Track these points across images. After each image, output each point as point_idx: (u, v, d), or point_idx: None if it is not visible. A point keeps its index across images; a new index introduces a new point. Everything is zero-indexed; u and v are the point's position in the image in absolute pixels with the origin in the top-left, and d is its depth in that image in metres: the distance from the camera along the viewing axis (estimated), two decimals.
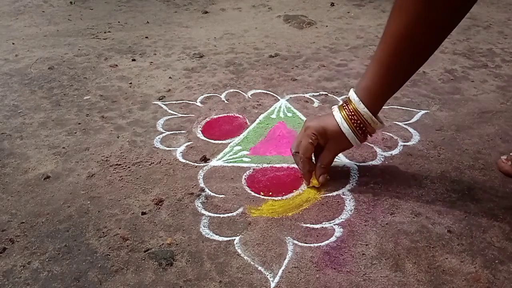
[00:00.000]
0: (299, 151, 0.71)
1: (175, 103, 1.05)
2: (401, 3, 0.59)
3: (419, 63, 0.65)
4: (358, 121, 0.67)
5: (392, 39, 0.61)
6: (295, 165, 0.80)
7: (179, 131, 0.93)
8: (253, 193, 0.74)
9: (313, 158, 0.74)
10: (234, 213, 0.69)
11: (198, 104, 1.04)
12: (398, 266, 0.59)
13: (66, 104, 1.05)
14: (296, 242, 0.63)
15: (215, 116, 0.98)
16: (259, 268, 0.59)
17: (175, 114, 1.00)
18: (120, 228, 0.67)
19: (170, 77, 1.18)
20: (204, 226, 0.67)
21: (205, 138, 0.90)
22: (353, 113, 0.67)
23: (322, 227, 0.66)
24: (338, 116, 0.68)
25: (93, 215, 0.69)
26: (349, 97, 0.69)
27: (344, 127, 0.68)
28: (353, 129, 0.68)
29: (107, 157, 0.84)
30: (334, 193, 0.73)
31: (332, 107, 0.71)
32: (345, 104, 0.69)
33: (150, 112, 1.01)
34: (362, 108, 0.66)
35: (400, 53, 0.61)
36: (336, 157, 0.82)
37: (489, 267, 0.59)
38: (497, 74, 1.17)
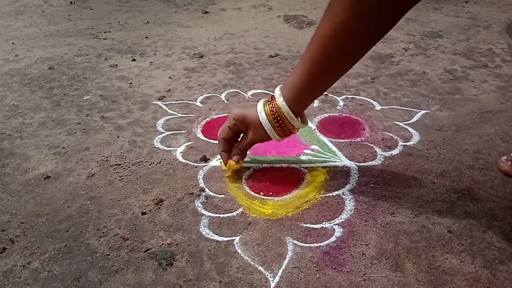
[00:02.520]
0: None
1: (175, 103, 1.05)
2: (331, 7, 0.59)
3: (344, 68, 0.65)
4: (277, 115, 0.69)
5: (319, 39, 0.61)
6: (295, 165, 0.81)
7: (179, 131, 0.93)
8: (253, 193, 0.74)
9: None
10: (234, 213, 0.69)
11: (198, 104, 1.04)
12: (398, 266, 0.59)
13: (66, 104, 1.05)
14: (296, 242, 0.63)
15: (215, 116, 0.98)
16: (259, 268, 0.59)
17: (175, 114, 1.00)
18: (120, 228, 0.67)
19: (170, 77, 1.18)
20: (204, 226, 0.67)
21: (205, 138, 0.90)
22: (274, 107, 0.69)
23: (322, 227, 0.66)
24: (260, 107, 0.70)
25: (93, 215, 0.69)
26: (274, 94, 0.70)
27: (263, 117, 0.69)
28: (271, 121, 0.69)
29: (107, 157, 0.84)
30: (334, 193, 0.73)
31: (259, 106, 0.72)
32: (270, 99, 0.70)
33: (150, 112, 1.01)
34: (281, 101, 0.68)
35: (325, 54, 0.62)
36: (336, 157, 0.83)
37: (489, 267, 0.59)
38: (497, 74, 1.17)
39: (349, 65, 0.65)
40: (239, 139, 0.76)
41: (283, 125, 0.69)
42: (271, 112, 0.69)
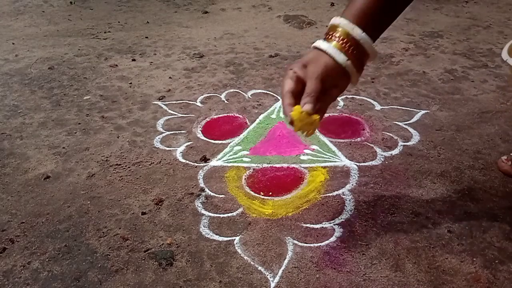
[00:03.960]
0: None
1: (175, 103, 1.05)
2: None
3: None
4: (352, 47, 0.55)
5: None
6: (295, 165, 0.81)
7: (179, 131, 0.93)
8: (253, 193, 0.74)
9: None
10: (234, 213, 0.69)
11: (198, 104, 1.04)
12: (398, 266, 0.59)
13: (66, 104, 1.05)
14: (296, 242, 0.63)
15: (215, 116, 0.98)
16: (259, 268, 0.59)
17: (175, 114, 1.00)
18: (120, 228, 0.67)
19: (170, 77, 1.18)
20: (204, 226, 0.67)
21: (205, 138, 0.90)
22: (345, 39, 0.55)
23: (322, 227, 0.66)
24: (324, 45, 0.56)
25: (93, 215, 0.69)
26: (334, 25, 0.56)
27: (338, 55, 0.55)
28: (345, 53, 0.55)
29: (107, 157, 0.84)
30: (334, 193, 0.73)
31: (322, 45, 0.57)
32: (330, 34, 0.57)
33: (150, 112, 1.01)
34: (359, 33, 0.54)
35: None
36: (336, 157, 0.83)
37: (489, 267, 0.59)
38: (497, 74, 1.17)
39: None
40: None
41: (361, 58, 0.56)
42: (344, 47, 0.55)
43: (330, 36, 0.57)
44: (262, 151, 0.84)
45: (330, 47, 0.55)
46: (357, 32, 0.54)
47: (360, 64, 0.56)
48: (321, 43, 0.56)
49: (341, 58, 0.55)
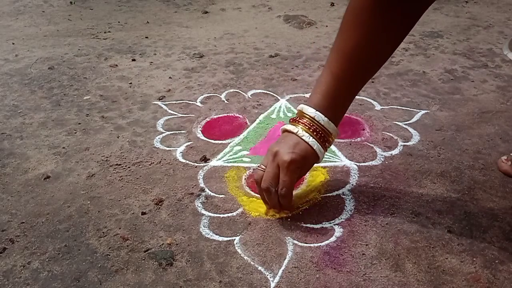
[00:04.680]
0: (280, 187, 0.64)
1: (175, 103, 1.05)
2: (355, 18, 0.59)
3: (373, 73, 0.67)
4: (325, 137, 0.64)
5: (349, 53, 0.61)
6: None
7: (179, 131, 0.93)
8: (253, 193, 0.74)
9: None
10: (234, 213, 0.69)
11: (198, 104, 1.04)
12: (398, 266, 0.59)
13: (66, 104, 1.05)
14: (296, 242, 0.63)
15: (215, 116, 0.98)
16: (259, 268, 0.59)
17: (175, 114, 1.00)
18: (120, 228, 0.67)
19: (170, 77, 1.18)
20: (204, 226, 0.67)
21: (205, 138, 0.90)
22: (320, 131, 0.63)
23: (322, 227, 0.66)
24: (314, 143, 0.63)
25: (93, 215, 0.69)
26: (306, 115, 0.64)
27: (321, 152, 0.65)
28: (323, 146, 0.65)
29: (107, 157, 0.84)
30: (334, 193, 0.73)
31: (291, 128, 0.65)
32: (307, 124, 0.64)
33: (150, 112, 1.01)
34: (328, 125, 0.64)
35: (356, 66, 0.62)
36: (336, 157, 0.83)
37: (489, 267, 0.59)
38: (497, 74, 1.17)
39: (377, 70, 0.66)
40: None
41: (328, 140, 0.65)
42: (319, 138, 0.64)
43: (298, 122, 0.65)
44: (262, 151, 0.84)
45: (321, 150, 0.65)
46: (321, 117, 0.63)
47: (324, 146, 0.65)
48: (308, 138, 0.64)
49: (321, 154, 0.65)
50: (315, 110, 0.63)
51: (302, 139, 0.63)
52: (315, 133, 0.63)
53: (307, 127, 0.64)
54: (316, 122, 0.64)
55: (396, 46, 0.63)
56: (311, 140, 0.63)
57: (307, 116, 0.64)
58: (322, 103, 0.63)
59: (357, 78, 0.64)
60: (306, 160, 0.64)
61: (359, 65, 0.62)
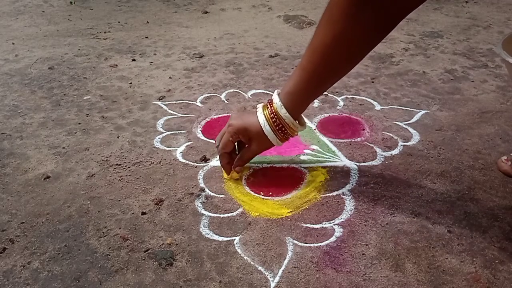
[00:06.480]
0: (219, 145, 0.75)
1: (175, 103, 1.05)
2: (330, 14, 0.60)
3: (342, 73, 0.67)
4: (280, 124, 0.69)
5: (318, 48, 0.62)
6: (295, 165, 0.81)
7: (179, 131, 0.93)
8: (253, 193, 0.74)
9: (237, 149, 0.77)
10: (234, 213, 0.69)
11: (198, 104, 1.04)
12: (398, 266, 0.59)
13: (66, 104, 1.05)
14: (296, 242, 0.63)
15: (215, 116, 0.98)
16: (259, 268, 0.59)
17: (175, 114, 1.00)
18: (120, 228, 0.67)
19: (170, 77, 1.18)
20: (204, 226, 0.67)
21: (205, 138, 0.90)
22: (275, 115, 0.69)
23: (322, 227, 0.66)
24: (262, 118, 0.70)
25: (93, 215, 0.69)
26: (272, 100, 0.70)
27: (266, 129, 0.69)
28: (274, 130, 0.70)
29: (107, 157, 0.84)
30: (334, 193, 0.73)
31: (257, 106, 0.72)
32: (269, 105, 0.70)
33: (150, 112, 1.01)
34: (284, 113, 0.68)
35: (324, 62, 0.63)
36: (336, 157, 0.83)
37: (489, 267, 0.59)
38: (497, 74, 1.17)
39: (350, 68, 0.67)
40: (241, 151, 0.76)
41: (283, 129, 0.70)
42: (274, 122, 0.69)
43: (269, 107, 0.70)
44: None
45: (267, 126, 0.70)
46: (283, 112, 0.68)
47: (283, 135, 0.71)
48: (263, 119, 0.70)
49: (270, 134, 0.70)
50: (281, 105, 0.68)
51: (256, 115, 0.71)
52: (274, 123, 0.69)
53: (268, 112, 0.70)
54: (279, 115, 0.69)
55: (366, 51, 0.63)
56: (261, 117, 0.70)
57: (274, 107, 0.69)
58: (289, 96, 0.68)
59: (323, 74, 0.65)
60: (247, 130, 0.71)
61: (324, 60, 0.63)
